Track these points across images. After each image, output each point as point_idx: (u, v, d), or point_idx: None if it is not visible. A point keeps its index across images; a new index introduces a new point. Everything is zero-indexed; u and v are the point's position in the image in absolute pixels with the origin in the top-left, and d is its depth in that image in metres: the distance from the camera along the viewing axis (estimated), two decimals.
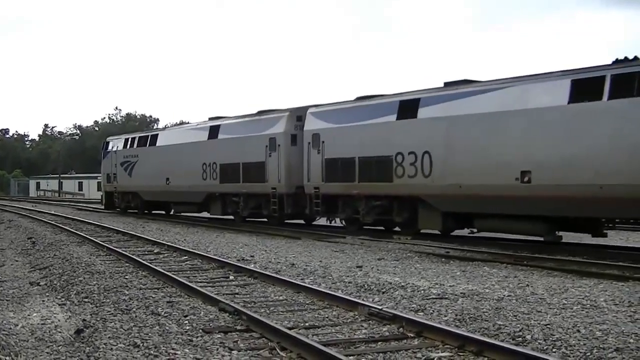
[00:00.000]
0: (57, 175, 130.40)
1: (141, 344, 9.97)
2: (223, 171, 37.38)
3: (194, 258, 21.23)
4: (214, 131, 38.73)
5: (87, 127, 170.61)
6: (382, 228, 30.10)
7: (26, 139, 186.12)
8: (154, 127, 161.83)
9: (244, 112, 43.89)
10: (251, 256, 21.74)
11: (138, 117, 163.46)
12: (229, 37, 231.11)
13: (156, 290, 15.21)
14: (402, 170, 26.59)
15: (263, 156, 34.06)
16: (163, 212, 48.60)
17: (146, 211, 48.67)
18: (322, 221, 34.35)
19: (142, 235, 28.91)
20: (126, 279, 16.92)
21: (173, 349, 9.78)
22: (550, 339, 10.07)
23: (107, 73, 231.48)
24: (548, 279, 16.75)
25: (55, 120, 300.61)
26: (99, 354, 9.46)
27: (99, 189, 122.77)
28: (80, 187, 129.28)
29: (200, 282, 16.37)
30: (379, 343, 10.19)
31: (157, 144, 45.22)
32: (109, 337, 10.44)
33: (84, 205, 70.98)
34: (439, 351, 9.63)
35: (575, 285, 15.70)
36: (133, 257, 20.72)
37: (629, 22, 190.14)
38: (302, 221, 35.81)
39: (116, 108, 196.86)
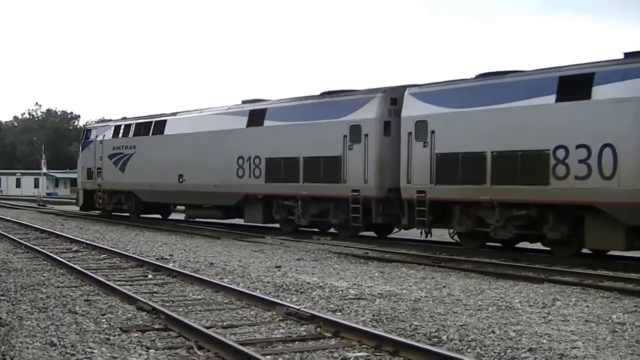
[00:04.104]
0: None
1: (58, 343, 9.90)
2: (271, 167, 29.96)
3: (112, 256, 21.10)
4: (256, 116, 31.23)
5: (6, 122, 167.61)
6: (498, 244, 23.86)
7: None
8: (76, 125, 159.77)
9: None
10: (170, 255, 21.70)
11: (59, 113, 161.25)
12: (152, 30, 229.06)
13: (74, 288, 15.10)
14: (564, 170, 20.28)
15: (340, 149, 26.87)
16: (159, 217, 41.21)
17: (142, 215, 40.36)
18: (400, 233, 27.89)
19: (61, 233, 28.60)
20: (44, 277, 16.74)
21: (90, 347, 9.72)
22: (466, 339, 10.28)
23: (27, 67, 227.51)
24: (465, 281, 17.03)
25: None
26: (15, 353, 9.36)
27: (17, 186, 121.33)
28: None
29: (119, 280, 16.28)
30: (297, 343, 10.26)
31: (165, 132, 37.00)
32: (25, 336, 10.34)
33: (3, 202, 69.82)
34: (355, 351, 9.73)
35: (492, 287, 15.99)
36: (51, 254, 20.49)
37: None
38: (372, 233, 28.73)
39: (36, 104, 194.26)
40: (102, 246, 23.36)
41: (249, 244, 26.29)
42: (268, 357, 9.38)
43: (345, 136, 26.62)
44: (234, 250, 23.60)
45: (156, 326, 11.23)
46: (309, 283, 15.87)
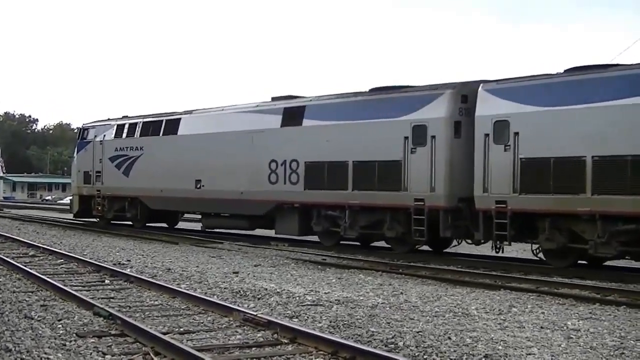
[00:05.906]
0: None
1: (13, 349, 9.82)
2: (311, 172, 26.54)
3: (69, 261, 20.95)
4: (293, 115, 27.69)
5: None
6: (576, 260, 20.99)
7: None
8: (34, 128, 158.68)
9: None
10: (128, 260, 21.60)
11: (17, 116, 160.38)
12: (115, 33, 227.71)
13: (30, 293, 14.98)
14: None
15: (399, 152, 23.65)
16: (165, 225, 37.74)
17: (148, 224, 36.78)
18: (461, 247, 24.89)
19: (18, 238, 28.36)
20: None
21: (46, 353, 9.67)
22: (422, 345, 10.33)
23: None
24: (422, 287, 17.11)
25: None
26: None
27: None
28: None
29: (76, 285, 16.19)
30: (253, 349, 10.26)
31: (178, 132, 33.18)
32: None
33: None
34: (312, 357, 9.75)
35: (448, 293, 16.09)
36: (7, 259, 20.31)
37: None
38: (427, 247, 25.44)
39: None
40: (59, 251, 23.19)
41: (206, 249, 26.23)
42: None
43: (406, 138, 23.51)
44: (191, 256, 23.52)
45: (113, 332, 11.16)
46: (266, 289, 15.87)
